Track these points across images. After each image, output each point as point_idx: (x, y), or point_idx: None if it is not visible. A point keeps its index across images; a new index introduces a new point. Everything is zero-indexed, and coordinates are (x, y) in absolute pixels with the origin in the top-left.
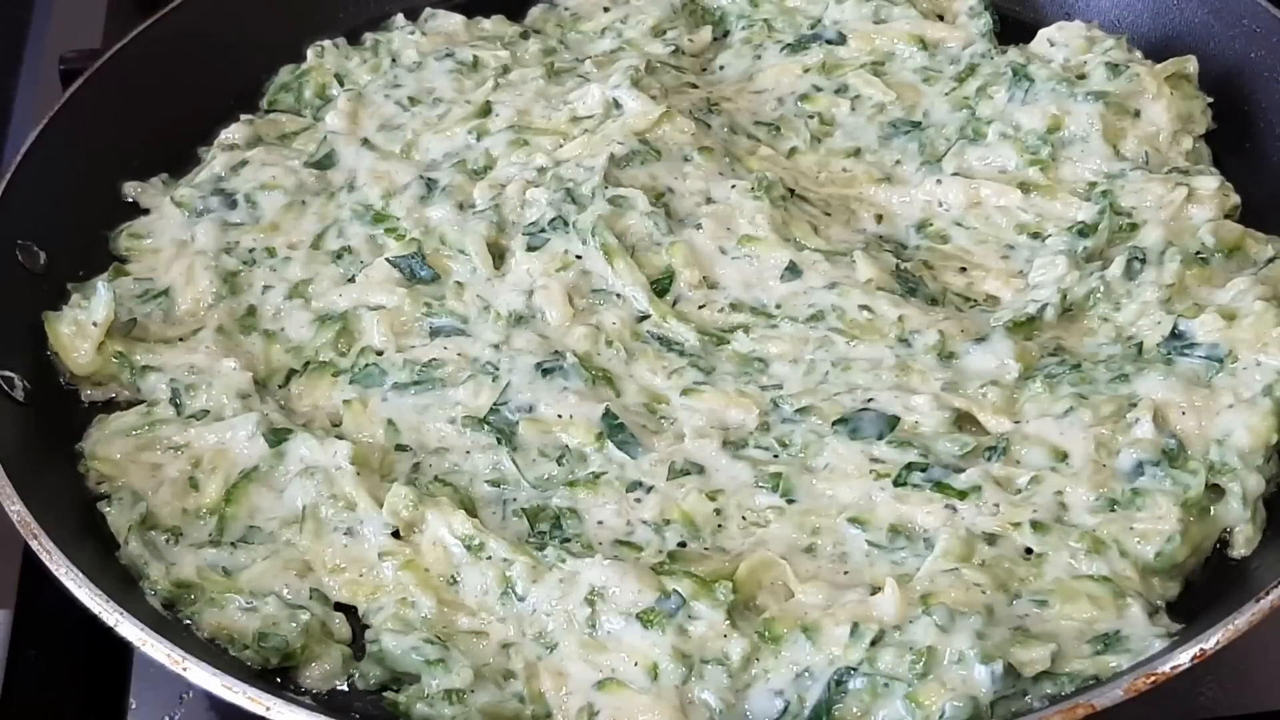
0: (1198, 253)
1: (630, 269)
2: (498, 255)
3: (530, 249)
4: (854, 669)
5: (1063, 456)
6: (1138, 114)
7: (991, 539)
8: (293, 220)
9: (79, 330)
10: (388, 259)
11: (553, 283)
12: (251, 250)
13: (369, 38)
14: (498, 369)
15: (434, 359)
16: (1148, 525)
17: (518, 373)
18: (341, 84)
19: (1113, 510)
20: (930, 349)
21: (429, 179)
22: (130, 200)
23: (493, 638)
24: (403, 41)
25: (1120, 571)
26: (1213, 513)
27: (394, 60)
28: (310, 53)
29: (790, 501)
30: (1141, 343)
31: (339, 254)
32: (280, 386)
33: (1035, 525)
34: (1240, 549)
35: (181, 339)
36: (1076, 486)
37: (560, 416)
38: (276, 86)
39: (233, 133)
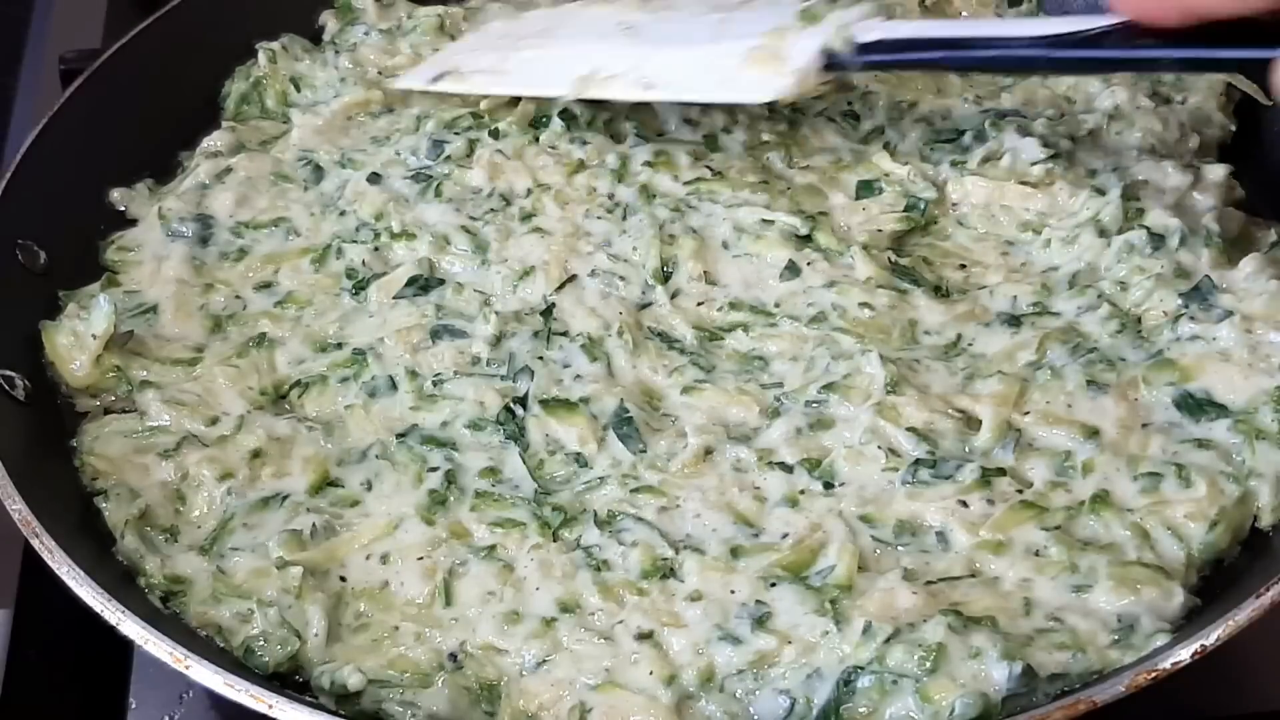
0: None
1: (648, 242)
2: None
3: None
4: (862, 668)
5: (1093, 433)
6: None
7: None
8: (286, 243)
9: (77, 342)
10: (399, 271)
11: (554, 264)
12: (248, 275)
13: (329, 27)
14: (501, 367)
15: (436, 358)
16: (1188, 507)
17: (522, 369)
18: (299, 89)
19: (1152, 490)
20: (936, 341)
21: (423, 175)
22: (121, 209)
23: None
24: (355, 35)
25: (1163, 553)
26: (1245, 491)
27: (336, 51)
28: (261, 56)
29: None
30: (1142, 318)
31: (345, 273)
32: (280, 398)
33: (1067, 510)
34: (1266, 519)
35: (178, 357)
36: (1108, 467)
37: (567, 411)
38: (237, 99)
39: (215, 140)
